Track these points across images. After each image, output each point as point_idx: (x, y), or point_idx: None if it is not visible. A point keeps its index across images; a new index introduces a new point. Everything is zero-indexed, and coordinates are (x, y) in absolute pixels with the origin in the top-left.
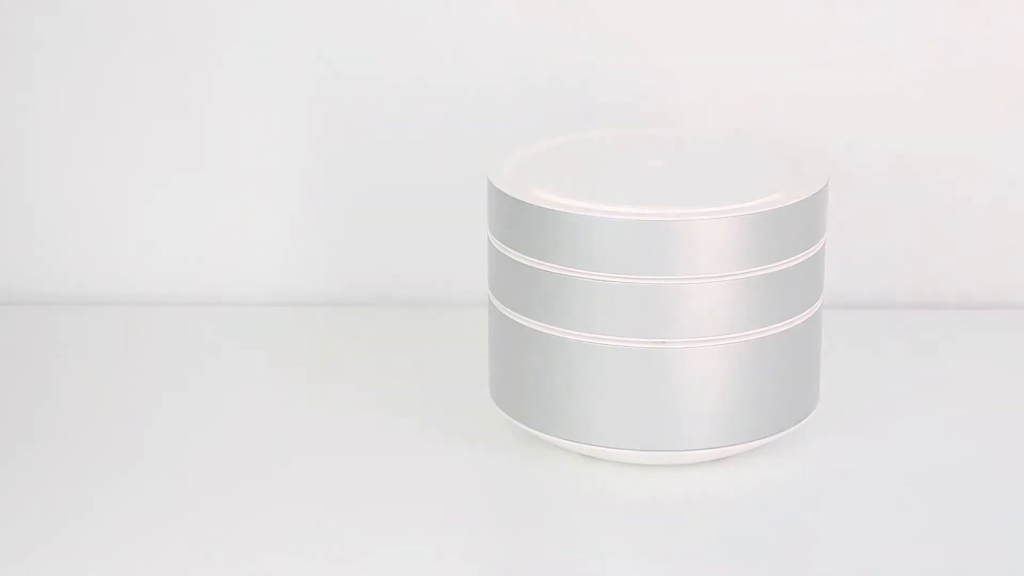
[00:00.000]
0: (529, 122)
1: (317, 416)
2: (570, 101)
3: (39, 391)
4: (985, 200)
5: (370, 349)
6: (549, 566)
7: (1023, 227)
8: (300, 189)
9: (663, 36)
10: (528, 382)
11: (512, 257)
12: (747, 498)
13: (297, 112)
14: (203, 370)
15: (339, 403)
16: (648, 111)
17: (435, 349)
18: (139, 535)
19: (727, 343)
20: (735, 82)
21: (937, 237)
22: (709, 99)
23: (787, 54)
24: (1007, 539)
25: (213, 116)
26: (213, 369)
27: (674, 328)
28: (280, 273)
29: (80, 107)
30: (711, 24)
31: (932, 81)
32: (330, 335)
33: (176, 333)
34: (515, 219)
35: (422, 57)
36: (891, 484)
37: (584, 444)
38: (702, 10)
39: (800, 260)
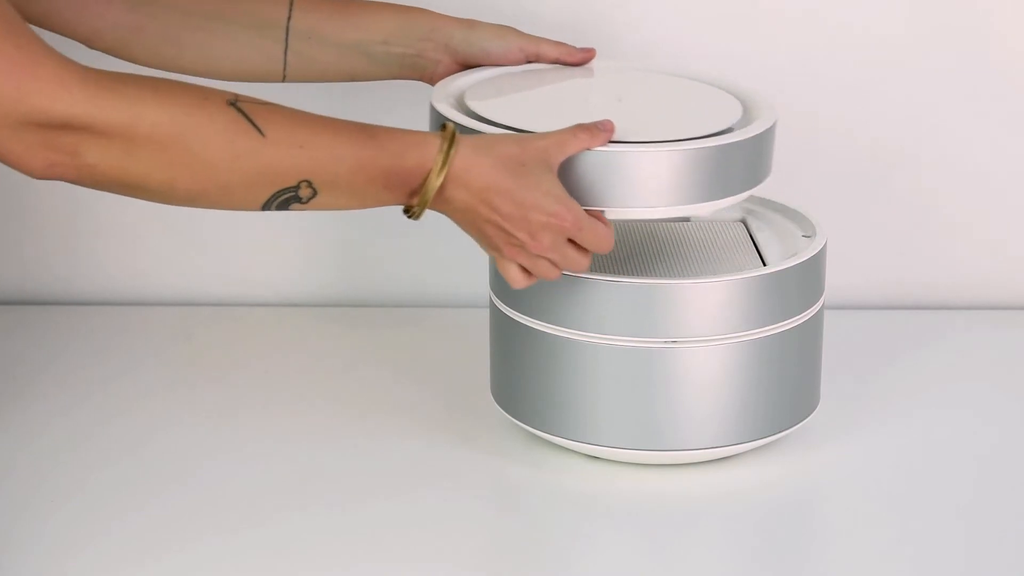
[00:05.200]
0: None
1: (317, 416)
2: None
3: (39, 391)
4: (985, 201)
5: (371, 349)
6: (549, 565)
7: (1023, 228)
8: None
9: None
10: (528, 382)
11: None
12: (747, 498)
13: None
14: (203, 370)
15: (340, 403)
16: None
17: (436, 349)
18: (138, 533)
19: (727, 343)
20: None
21: (937, 237)
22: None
23: (788, 56)
24: (1007, 539)
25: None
26: (213, 369)
27: (674, 328)
28: (281, 274)
29: None
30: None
31: (935, 83)
32: (330, 335)
33: (176, 333)
34: None
35: None
36: (891, 484)
37: (585, 444)
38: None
39: (800, 260)
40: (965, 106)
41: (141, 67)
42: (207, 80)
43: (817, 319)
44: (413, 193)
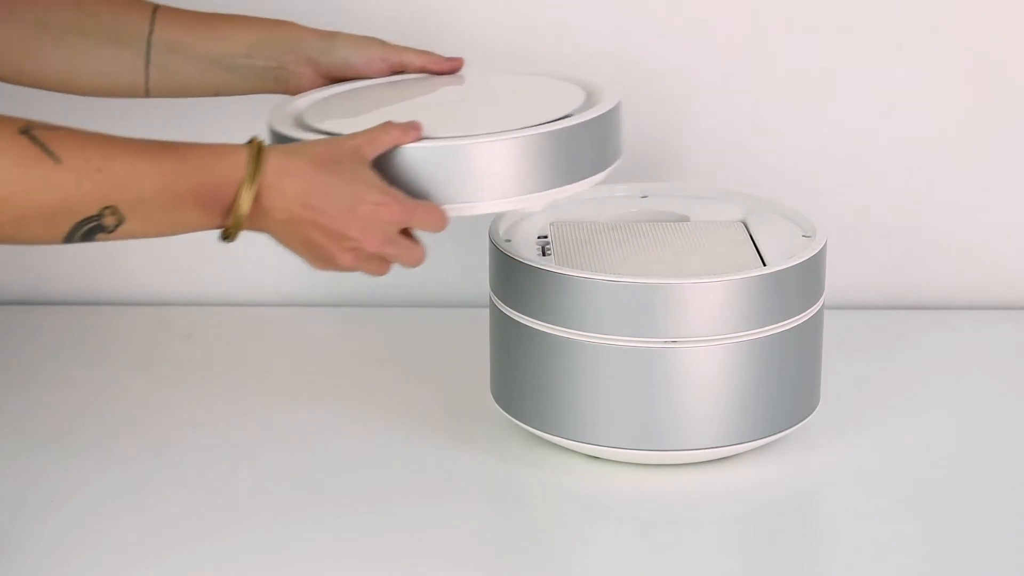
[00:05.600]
0: None
1: (317, 416)
2: None
3: (38, 391)
4: (985, 201)
5: (371, 349)
6: (549, 565)
7: (1022, 228)
8: None
9: None
10: (528, 382)
11: (514, 257)
12: (747, 498)
13: None
14: (203, 369)
15: (340, 403)
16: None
17: (436, 349)
18: (137, 533)
19: (727, 343)
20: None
21: (936, 237)
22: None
23: (790, 59)
24: (1007, 538)
25: (217, 119)
26: (214, 368)
27: (674, 328)
28: (281, 274)
29: (83, 106)
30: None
31: (935, 82)
32: (330, 335)
33: (176, 333)
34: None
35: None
36: (891, 484)
37: (585, 444)
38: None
39: (800, 260)
40: (965, 106)
41: (5, 84)
42: (71, 96)
43: (817, 319)
44: (227, 211)
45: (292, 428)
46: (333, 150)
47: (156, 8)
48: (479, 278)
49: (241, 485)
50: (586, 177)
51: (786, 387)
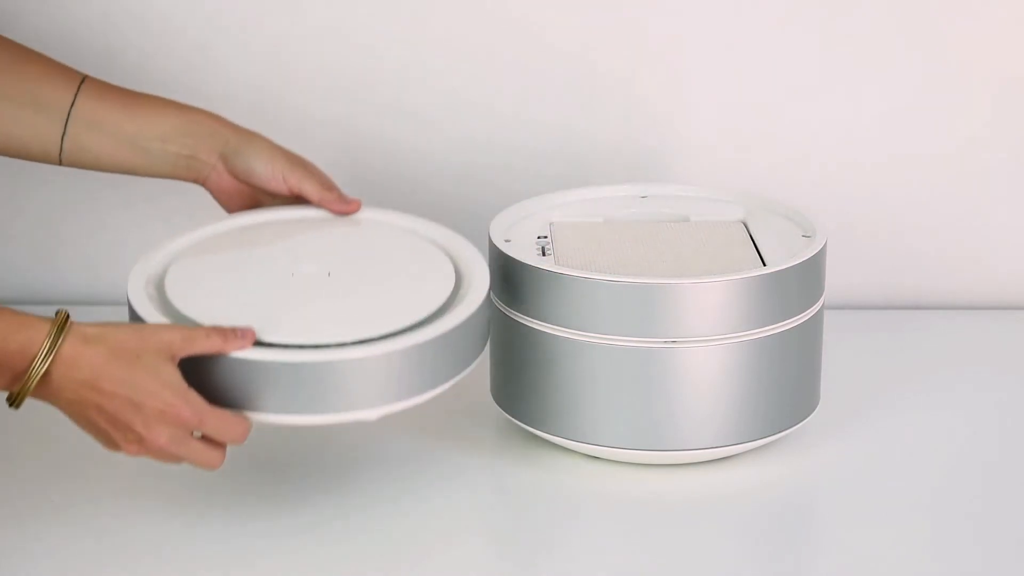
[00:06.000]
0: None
1: None
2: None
3: None
4: (985, 200)
5: None
6: (549, 565)
7: (1022, 228)
8: None
9: None
10: (528, 382)
11: (514, 257)
12: (747, 498)
13: (302, 118)
14: None
15: None
16: None
17: None
18: (137, 533)
19: (727, 343)
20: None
21: (936, 238)
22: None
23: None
24: (1008, 538)
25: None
26: None
27: (674, 328)
28: None
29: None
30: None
31: (935, 83)
32: None
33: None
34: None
35: (423, 68)
36: (890, 484)
37: (585, 444)
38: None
39: (800, 260)
40: (965, 106)
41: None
42: None
43: (817, 319)
44: (16, 379)
45: (291, 427)
46: (138, 341)
47: (83, 79)
48: None
49: (241, 484)
50: (428, 391)
51: (786, 387)
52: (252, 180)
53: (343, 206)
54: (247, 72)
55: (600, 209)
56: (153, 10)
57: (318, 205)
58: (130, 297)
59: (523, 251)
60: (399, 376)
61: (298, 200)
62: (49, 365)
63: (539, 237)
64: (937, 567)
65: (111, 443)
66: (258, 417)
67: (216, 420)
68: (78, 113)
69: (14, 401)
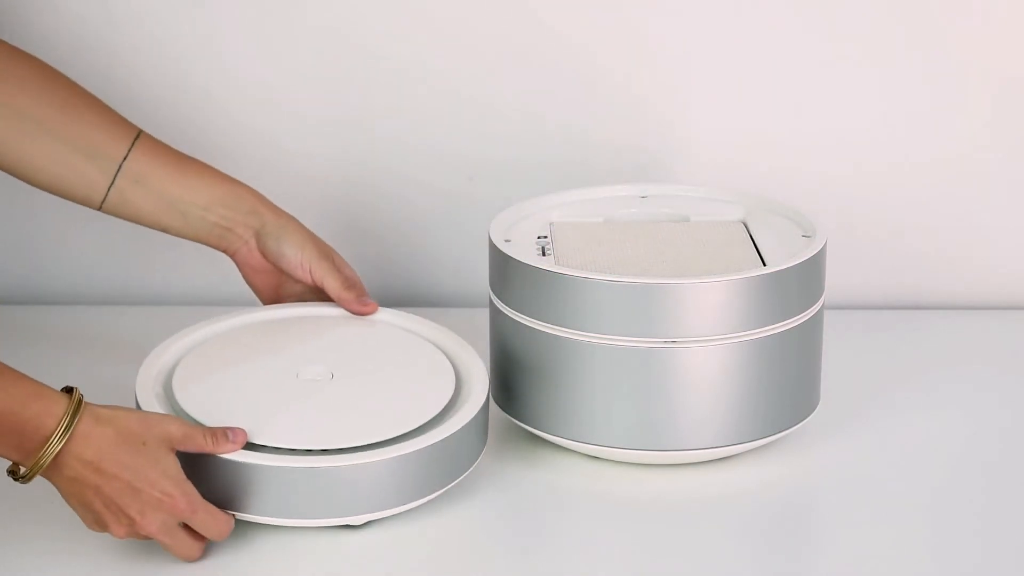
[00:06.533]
0: (528, 124)
1: None
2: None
3: None
4: (985, 200)
5: None
6: (549, 565)
7: (1022, 228)
8: (302, 190)
9: None
10: (528, 382)
11: (513, 257)
12: (747, 498)
13: (304, 118)
14: None
15: None
16: None
17: None
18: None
19: (727, 343)
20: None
21: (936, 238)
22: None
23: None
24: (1008, 537)
25: (223, 121)
26: None
27: (674, 328)
28: None
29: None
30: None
31: (934, 82)
32: None
33: (176, 333)
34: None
35: (423, 68)
36: (890, 484)
37: (585, 444)
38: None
39: (800, 260)
40: (965, 106)
41: None
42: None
43: (817, 319)
44: (26, 452)
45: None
46: (144, 429)
47: (139, 134)
48: (479, 278)
49: None
50: (417, 499)
51: (786, 387)
52: (280, 263)
53: (360, 307)
54: (248, 72)
55: (600, 209)
56: (154, 10)
57: (336, 301)
58: (137, 392)
59: (523, 251)
60: (385, 484)
61: (319, 291)
62: (63, 444)
63: (539, 237)
64: (937, 567)
65: (99, 524)
66: (244, 517)
67: (205, 515)
68: (129, 168)
69: (24, 476)
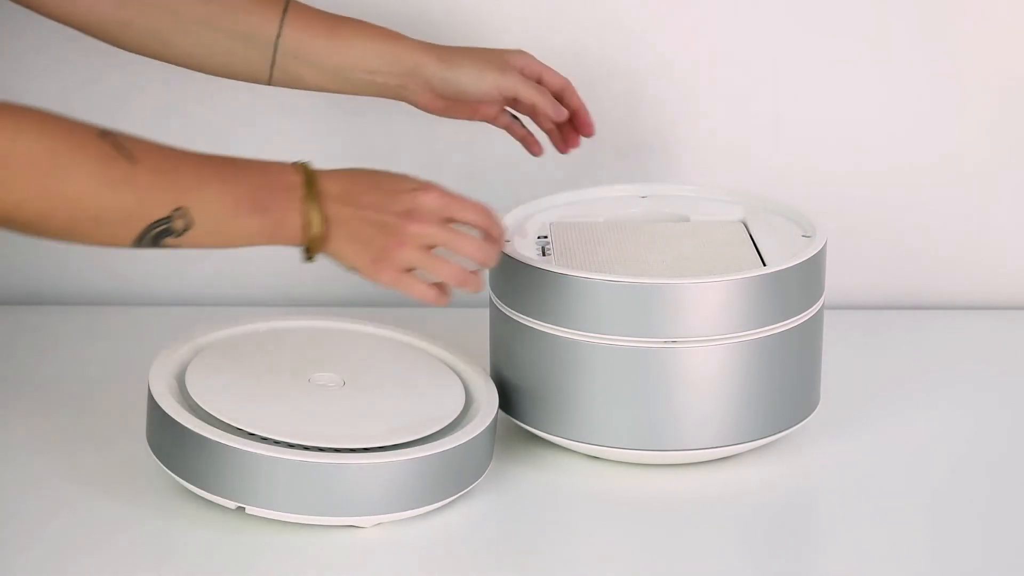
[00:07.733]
0: None
1: None
2: None
3: (38, 391)
4: (984, 200)
5: None
6: (550, 565)
7: (1022, 228)
8: None
9: None
10: (528, 382)
11: (514, 257)
12: (747, 498)
13: (303, 118)
14: None
15: None
16: None
17: None
18: (138, 534)
19: (727, 343)
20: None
21: (936, 237)
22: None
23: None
24: (1006, 538)
25: (222, 121)
26: None
27: (673, 328)
28: (281, 274)
29: (84, 104)
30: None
31: (934, 83)
32: None
33: (176, 333)
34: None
35: None
36: (890, 484)
37: (585, 444)
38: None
39: (800, 260)
40: (965, 106)
41: (131, 54)
42: (194, 74)
43: (817, 319)
44: (282, 225)
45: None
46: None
47: (287, 7)
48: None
49: None
50: (427, 505)
51: (786, 387)
52: (467, 99)
53: (555, 110)
54: None
55: (600, 209)
56: None
57: (531, 111)
58: (151, 384)
59: (523, 251)
60: (397, 487)
61: (513, 102)
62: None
63: (539, 237)
64: (937, 567)
65: (384, 252)
66: (255, 511)
67: (462, 199)
68: (284, 46)
69: (310, 242)
